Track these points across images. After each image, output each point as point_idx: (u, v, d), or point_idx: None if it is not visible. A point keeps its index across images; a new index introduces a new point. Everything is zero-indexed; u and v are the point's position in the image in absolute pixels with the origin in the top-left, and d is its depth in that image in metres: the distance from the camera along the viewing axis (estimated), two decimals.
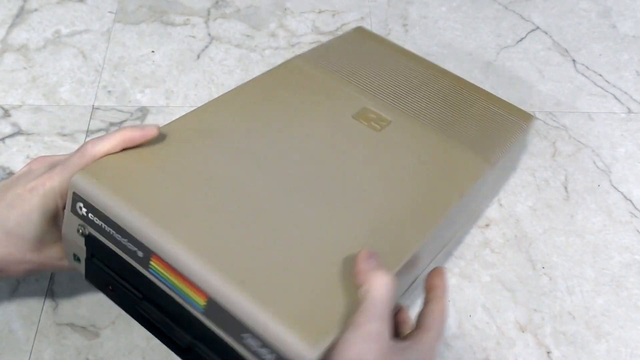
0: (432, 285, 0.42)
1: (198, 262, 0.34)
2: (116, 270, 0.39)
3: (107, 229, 0.38)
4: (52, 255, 0.43)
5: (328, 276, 0.36)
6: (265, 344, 0.32)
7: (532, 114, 0.58)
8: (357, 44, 0.61)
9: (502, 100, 0.58)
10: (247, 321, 0.33)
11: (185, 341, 0.36)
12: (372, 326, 0.33)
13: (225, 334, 0.34)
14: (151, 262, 0.36)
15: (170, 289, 0.36)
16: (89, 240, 0.39)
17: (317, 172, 0.44)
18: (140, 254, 0.36)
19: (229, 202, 0.39)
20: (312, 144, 0.46)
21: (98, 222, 0.38)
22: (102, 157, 0.40)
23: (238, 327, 0.33)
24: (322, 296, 0.35)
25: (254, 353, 0.33)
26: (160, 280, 0.36)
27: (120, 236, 0.37)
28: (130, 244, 0.37)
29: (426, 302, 0.41)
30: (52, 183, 0.40)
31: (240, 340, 0.33)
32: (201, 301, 0.34)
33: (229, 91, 0.51)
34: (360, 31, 0.64)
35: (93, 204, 0.38)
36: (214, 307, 0.34)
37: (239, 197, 0.40)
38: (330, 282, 0.36)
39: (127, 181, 0.39)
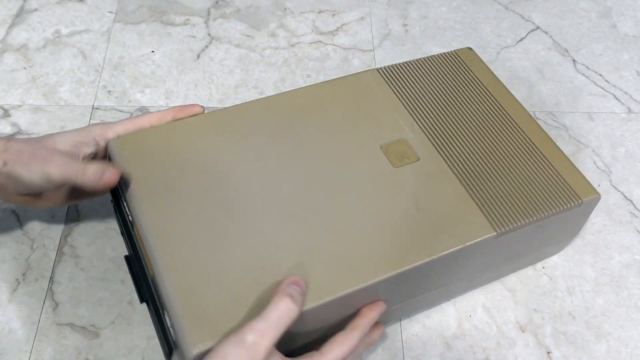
0: (360, 315, 0.44)
1: (154, 246, 0.43)
2: (120, 219, 0.48)
3: (119, 189, 0.47)
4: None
5: (250, 290, 0.41)
6: (172, 325, 0.40)
7: (598, 193, 0.50)
8: (450, 68, 0.57)
9: (572, 168, 0.51)
10: (166, 302, 0.41)
11: (144, 295, 0.44)
12: (250, 337, 0.37)
13: (158, 303, 0.42)
14: (134, 228, 0.45)
15: (140, 251, 0.45)
16: (113, 192, 0.49)
17: (308, 193, 0.47)
18: (131, 218, 0.46)
19: (215, 204, 0.45)
20: (321, 166, 0.49)
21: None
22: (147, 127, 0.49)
23: (163, 303, 0.42)
24: (233, 305, 0.40)
25: (168, 328, 0.41)
26: (136, 242, 0.45)
27: (124, 199, 0.47)
28: (127, 208, 0.47)
29: (343, 329, 0.43)
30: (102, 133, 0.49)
31: (163, 313, 0.42)
32: (150, 272, 0.43)
33: (286, 92, 0.54)
34: (465, 53, 0.59)
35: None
36: (155, 281, 0.43)
37: (225, 202, 0.46)
38: (248, 295, 0.41)
39: (144, 160, 0.48)
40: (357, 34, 0.74)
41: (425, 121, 0.53)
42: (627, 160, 0.64)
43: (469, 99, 0.55)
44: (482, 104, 0.54)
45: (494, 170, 0.50)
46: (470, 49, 0.59)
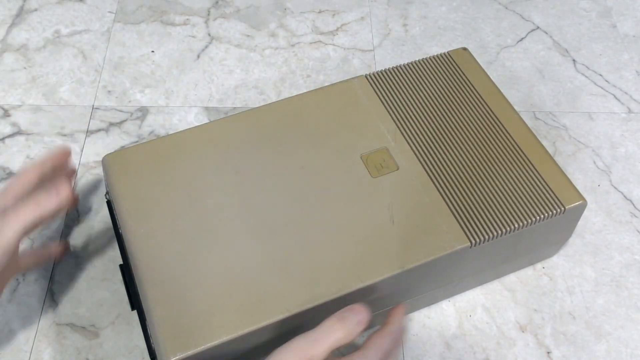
0: (390, 317, 0.44)
1: (136, 258, 0.45)
2: (115, 229, 0.50)
3: (111, 202, 0.50)
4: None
5: (225, 303, 0.43)
6: (151, 335, 0.43)
7: (584, 199, 0.48)
8: (441, 71, 0.56)
9: (559, 174, 0.49)
10: (146, 313, 0.43)
11: (135, 303, 0.46)
12: (302, 343, 0.39)
13: (145, 311, 0.44)
14: (122, 237, 0.48)
15: (128, 259, 0.47)
16: (109, 203, 0.51)
17: (285, 206, 0.48)
18: (120, 230, 0.48)
19: (196, 219, 0.47)
20: (300, 178, 0.49)
21: (108, 196, 0.51)
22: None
23: (144, 313, 0.44)
24: (208, 317, 0.42)
25: (149, 335, 0.43)
26: (125, 251, 0.47)
27: (115, 210, 0.49)
28: (116, 220, 0.49)
29: (379, 328, 0.43)
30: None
31: (145, 321, 0.44)
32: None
33: (271, 103, 0.55)
34: (459, 54, 0.58)
35: (106, 185, 0.51)
36: (138, 291, 0.45)
37: (205, 217, 0.47)
38: (223, 308, 0.43)
39: (133, 175, 0.49)
40: (357, 34, 0.74)
41: (409, 129, 0.52)
42: (627, 160, 0.64)
43: (458, 103, 0.54)
44: (470, 108, 0.54)
45: (476, 178, 0.49)
46: (464, 49, 0.58)
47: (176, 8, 0.76)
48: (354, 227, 0.46)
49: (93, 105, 0.66)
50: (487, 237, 0.46)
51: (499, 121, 0.53)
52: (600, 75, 0.71)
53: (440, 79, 0.56)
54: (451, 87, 0.55)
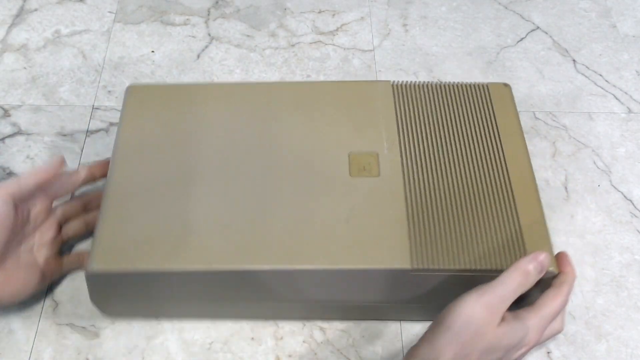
0: (561, 270, 0.46)
1: (112, 175, 0.50)
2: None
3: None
4: None
5: (164, 242, 0.46)
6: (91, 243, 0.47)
7: (557, 268, 0.46)
8: (471, 99, 0.55)
9: (542, 233, 0.47)
10: (97, 225, 0.47)
11: None
12: (491, 299, 0.41)
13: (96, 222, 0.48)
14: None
15: None
16: None
17: (258, 177, 0.50)
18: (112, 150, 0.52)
19: (177, 165, 0.50)
20: (285, 157, 0.51)
21: None
22: None
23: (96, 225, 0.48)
24: (143, 249, 0.46)
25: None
26: None
27: (116, 135, 0.53)
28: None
29: (551, 285, 0.45)
30: None
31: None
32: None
33: (293, 82, 0.58)
34: (497, 88, 0.56)
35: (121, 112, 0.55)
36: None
37: (185, 166, 0.50)
38: (160, 245, 0.46)
39: (145, 110, 0.54)
40: (357, 34, 0.74)
41: (409, 143, 0.52)
42: (627, 160, 0.64)
43: (472, 134, 0.52)
44: (483, 142, 0.52)
45: (453, 209, 0.48)
46: (506, 85, 0.56)
47: (176, 8, 0.76)
48: (310, 214, 0.47)
49: (93, 105, 0.66)
50: (432, 266, 0.45)
51: (505, 163, 0.50)
52: (600, 75, 0.71)
53: (466, 106, 0.54)
54: (473, 117, 0.53)
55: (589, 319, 0.53)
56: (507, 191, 0.49)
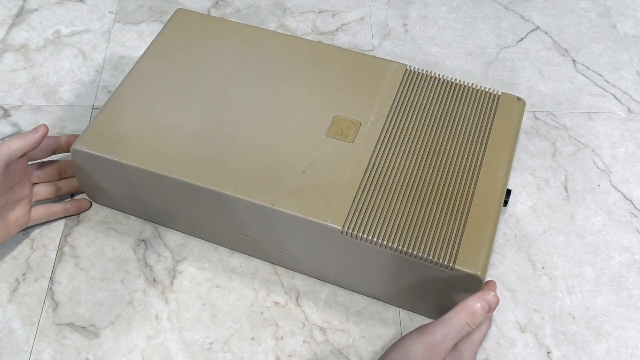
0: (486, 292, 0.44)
1: (128, 77, 0.57)
2: None
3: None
4: None
5: (149, 141, 0.52)
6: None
7: (481, 273, 0.45)
8: (477, 102, 0.55)
9: (484, 242, 0.47)
10: (97, 113, 0.54)
11: None
12: (433, 338, 0.40)
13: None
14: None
15: None
16: None
17: (249, 107, 0.54)
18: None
19: (189, 81, 0.56)
20: (276, 99, 0.55)
21: None
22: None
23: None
24: (128, 141, 0.52)
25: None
26: None
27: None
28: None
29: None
30: None
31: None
32: None
33: (314, 41, 0.61)
34: (509, 100, 0.56)
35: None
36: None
37: (197, 82, 0.56)
38: (146, 143, 0.52)
39: (182, 34, 0.60)
40: (357, 34, 0.74)
41: (395, 123, 0.53)
42: (627, 160, 0.64)
43: (460, 135, 0.53)
44: (467, 145, 0.52)
45: (409, 192, 0.48)
46: (519, 99, 0.56)
47: (176, 8, 0.76)
48: (274, 154, 0.51)
49: (93, 105, 0.66)
50: (362, 235, 0.46)
51: (478, 171, 0.50)
52: (600, 75, 0.71)
53: (468, 107, 0.55)
54: (469, 120, 0.54)
55: (589, 319, 0.53)
56: (467, 196, 0.49)
